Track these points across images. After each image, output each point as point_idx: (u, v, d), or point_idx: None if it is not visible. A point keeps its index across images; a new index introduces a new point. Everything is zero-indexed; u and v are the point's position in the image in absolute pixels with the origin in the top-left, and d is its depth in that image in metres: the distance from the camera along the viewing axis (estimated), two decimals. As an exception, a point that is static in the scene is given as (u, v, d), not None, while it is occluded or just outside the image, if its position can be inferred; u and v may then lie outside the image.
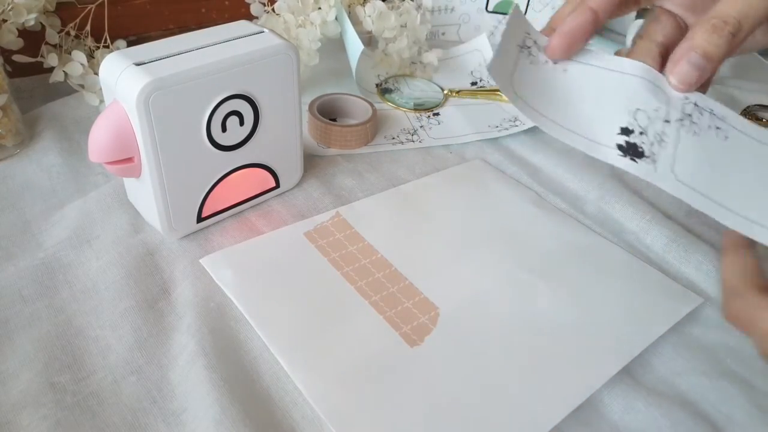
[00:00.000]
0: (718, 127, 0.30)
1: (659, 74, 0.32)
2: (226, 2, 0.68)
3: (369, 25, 0.61)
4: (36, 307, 0.37)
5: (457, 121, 0.59)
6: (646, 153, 0.29)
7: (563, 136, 0.30)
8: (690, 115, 0.30)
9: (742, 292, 0.29)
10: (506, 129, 0.58)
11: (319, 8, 0.59)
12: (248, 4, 0.64)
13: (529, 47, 0.32)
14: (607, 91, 0.31)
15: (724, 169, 0.29)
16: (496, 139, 0.57)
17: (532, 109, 0.30)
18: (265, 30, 0.42)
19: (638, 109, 0.30)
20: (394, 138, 0.56)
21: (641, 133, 0.30)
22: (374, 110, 0.55)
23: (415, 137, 0.57)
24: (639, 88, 0.31)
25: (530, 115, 0.30)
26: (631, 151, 0.30)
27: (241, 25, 0.43)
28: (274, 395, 0.33)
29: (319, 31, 0.59)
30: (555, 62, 0.32)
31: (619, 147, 0.30)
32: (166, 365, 0.34)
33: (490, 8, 0.75)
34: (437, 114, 0.60)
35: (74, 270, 0.40)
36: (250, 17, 0.63)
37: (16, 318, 0.36)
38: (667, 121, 0.30)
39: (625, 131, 0.30)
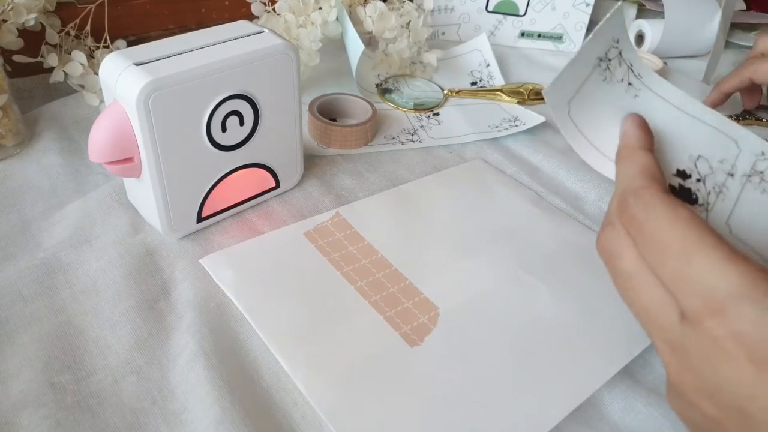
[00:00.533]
0: None
1: (738, 126, 0.29)
2: (226, 2, 0.68)
3: (369, 25, 0.61)
4: (36, 307, 0.37)
5: (457, 121, 0.59)
6: (700, 201, 0.28)
7: (606, 170, 0.28)
8: (762, 173, 0.28)
9: (615, 223, 0.27)
10: (506, 129, 0.58)
11: (320, 8, 0.59)
12: (248, 4, 0.64)
13: (610, 59, 0.29)
14: (672, 130, 0.29)
15: None
16: (496, 139, 0.57)
17: (582, 135, 0.29)
18: (265, 30, 0.42)
19: (700, 156, 0.29)
20: (394, 138, 0.56)
21: (698, 180, 0.28)
22: (374, 110, 0.55)
23: (415, 137, 0.57)
24: (709, 138, 0.29)
25: (575, 141, 0.28)
26: (684, 195, 0.28)
27: (241, 25, 0.43)
28: (274, 395, 0.33)
29: (320, 31, 0.59)
30: (630, 84, 0.30)
31: (672, 189, 0.28)
32: (166, 365, 0.34)
33: (490, 8, 0.75)
34: (437, 114, 0.60)
35: (74, 270, 0.40)
36: (250, 17, 0.63)
37: (16, 318, 0.36)
38: (731, 175, 0.28)
39: (681, 174, 0.29)
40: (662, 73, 0.71)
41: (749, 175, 0.28)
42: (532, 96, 0.64)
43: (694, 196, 0.28)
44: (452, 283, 0.40)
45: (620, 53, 0.30)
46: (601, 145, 0.29)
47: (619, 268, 0.26)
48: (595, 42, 0.28)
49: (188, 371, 0.34)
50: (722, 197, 0.28)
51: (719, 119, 0.29)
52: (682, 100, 0.30)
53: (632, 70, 0.30)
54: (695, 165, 0.29)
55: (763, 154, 0.29)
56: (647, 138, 0.28)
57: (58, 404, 0.32)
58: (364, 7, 0.62)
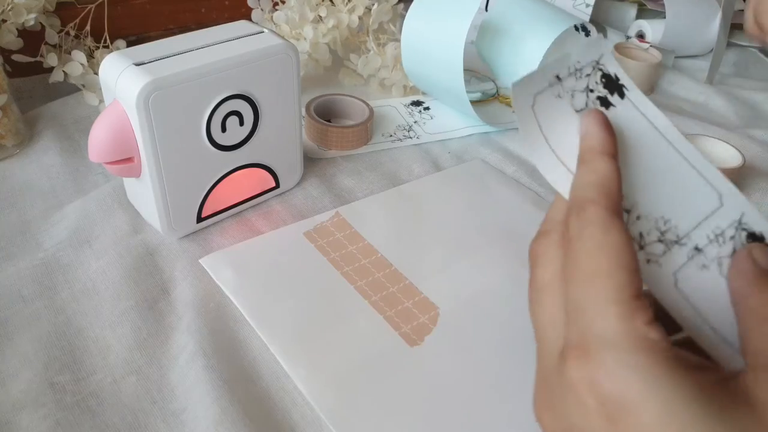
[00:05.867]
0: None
1: (725, 178, 0.26)
2: (226, 2, 0.68)
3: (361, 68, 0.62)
4: (36, 307, 0.37)
5: (449, 115, 0.60)
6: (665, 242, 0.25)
7: (558, 178, 0.25)
8: (702, 250, 0.25)
9: (553, 231, 0.24)
10: (495, 125, 0.58)
11: (316, 27, 0.60)
12: (248, 5, 0.64)
13: (586, 75, 0.27)
14: (642, 152, 0.26)
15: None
16: (495, 139, 0.57)
17: (542, 135, 0.25)
18: (265, 30, 0.42)
19: (665, 196, 0.25)
20: (391, 135, 0.56)
21: (637, 219, 0.25)
22: (371, 110, 0.55)
23: (411, 133, 0.57)
24: (686, 178, 0.26)
25: (532, 140, 0.25)
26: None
27: (241, 25, 0.43)
28: (274, 395, 0.33)
29: (309, 46, 0.59)
30: (603, 97, 0.27)
31: None
32: (165, 365, 0.34)
33: (490, 8, 0.75)
34: (428, 108, 0.61)
35: (74, 270, 0.40)
36: (250, 17, 0.63)
37: (16, 318, 0.36)
38: (679, 242, 0.25)
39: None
40: (663, 70, 0.71)
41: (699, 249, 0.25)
42: None
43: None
44: (452, 283, 0.40)
45: (599, 68, 0.27)
46: (558, 148, 0.25)
47: (538, 276, 0.24)
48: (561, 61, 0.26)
49: (188, 371, 0.34)
50: (677, 249, 0.25)
51: (705, 163, 0.26)
52: (665, 126, 0.27)
53: (608, 82, 0.27)
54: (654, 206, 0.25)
55: (741, 218, 0.26)
56: (610, 140, 0.24)
57: (57, 404, 0.32)
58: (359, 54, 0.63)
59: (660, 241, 0.25)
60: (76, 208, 0.45)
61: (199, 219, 0.43)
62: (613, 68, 0.27)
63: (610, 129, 0.25)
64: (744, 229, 0.25)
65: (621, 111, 0.26)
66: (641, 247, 0.24)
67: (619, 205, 0.23)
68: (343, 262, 0.41)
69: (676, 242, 0.25)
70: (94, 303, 0.38)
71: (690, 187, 0.26)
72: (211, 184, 0.42)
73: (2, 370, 0.33)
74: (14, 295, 0.38)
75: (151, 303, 0.38)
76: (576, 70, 0.26)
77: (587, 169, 0.24)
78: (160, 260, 0.41)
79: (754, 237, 0.25)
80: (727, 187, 0.26)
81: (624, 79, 0.27)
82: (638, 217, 0.25)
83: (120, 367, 0.34)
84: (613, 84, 0.27)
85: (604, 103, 0.26)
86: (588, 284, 0.21)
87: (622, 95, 0.27)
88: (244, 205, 0.46)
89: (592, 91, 0.26)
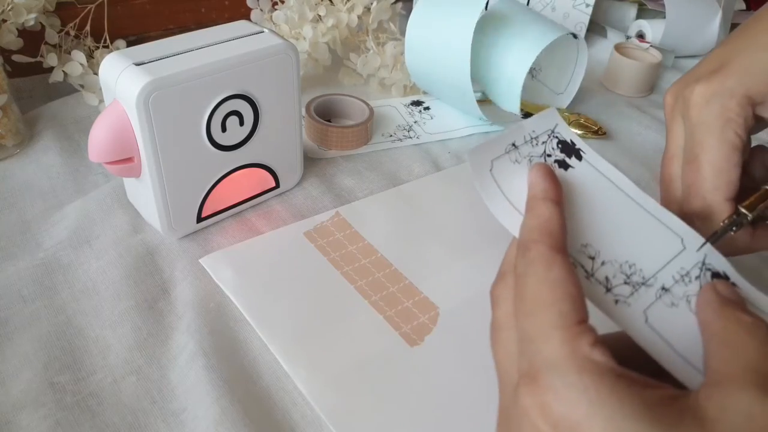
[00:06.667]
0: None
1: (681, 222, 0.27)
2: (226, 2, 0.68)
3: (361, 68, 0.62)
4: (36, 307, 0.37)
5: (450, 115, 0.60)
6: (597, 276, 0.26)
7: (516, 227, 0.26)
8: (669, 290, 0.26)
9: (509, 273, 0.26)
10: (499, 123, 0.58)
11: (315, 26, 0.60)
12: (247, 5, 0.64)
13: (543, 142, 0.28)
14: (600, 206, 0.27)
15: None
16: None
17: (501, 192, 0.27)
18: (264, 30, 0.42)
19: (628, 245, 0.27)
20: (392, 135, 0.56)
21: (602, 264, 0.26)
22: (371, 110, 0.55)
23: (411, 133, 0.57)
24: (647, 229, 0.27)
25: (492, 198, 0.27)
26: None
27: (241, 25, 0.43)
28: (274, 395, 0.34)
29: (308, 46, 0.60)
30: (567, 160, 0.28)
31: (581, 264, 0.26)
32: (165, 365, 0.34)
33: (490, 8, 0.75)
34: (428, 108, 0.61)
35: (74, 270, 0.40)
36: (250, 17, 0.63)
37: (16, 318, 0.36)
38: (647, 284, 0.26)
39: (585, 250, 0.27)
40: (663, 70, 0.71)
41: (666, 289, 0.26)
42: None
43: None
44: (452, 283, 0.40)
45: (555, 135, 0.29)
46: (515, 201, 0.28)
47: (495, 316, 0.26)
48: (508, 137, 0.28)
49: (188, 371, 0.34)
50: (645, 289, 0.26)
51: (663, 212, 0.28)
52: (623, 182, 0.28)
53: (564, 147, 0.29)
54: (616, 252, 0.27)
55: (705, 259, 0.27)
56: (552, 188, 0.26)
57: (57, 404, 0.32)
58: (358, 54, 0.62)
59: (626, 283, 0.26)
60: (76, 208, 0.45)
61: (199, 219, 0.43)
62: (569, 135, 0.29)
63: (552, 178, 0.27)
64: (709, 269, 0.27)
65: (579, 171, 0.28)
66: (608, 290, 0.26)
67: (562, 244, 0.24)
68: (343, 262, 0.41)
69: (643, 283, 0.26)
70: (94, 303, 0.38)
71: (651, 234, 0.27)
72: (211, 184, 0.42)
73: (2, 370, 0.33)
74: (14, 295, 0.38)
75: (151, 303, 0.38)
76: (531, 138, 0.29)
77: (531, 214, 0.26)
78: (160, 260, 0.41)
79: (718, 276, 0.27)
80: (688, 231, 0.27)
81: (579, 144, 0.29)
82: (603, 263, 0.26)
83: (120, 367, 0.34)
84: (569, 148, 0.29)
85: (563, 165, 0.28)
86: (534, 315, 0.22)
87: (579, 158, 0.29)
88: (244, 205, 0.46)
89: (549, 155, 0.28)
